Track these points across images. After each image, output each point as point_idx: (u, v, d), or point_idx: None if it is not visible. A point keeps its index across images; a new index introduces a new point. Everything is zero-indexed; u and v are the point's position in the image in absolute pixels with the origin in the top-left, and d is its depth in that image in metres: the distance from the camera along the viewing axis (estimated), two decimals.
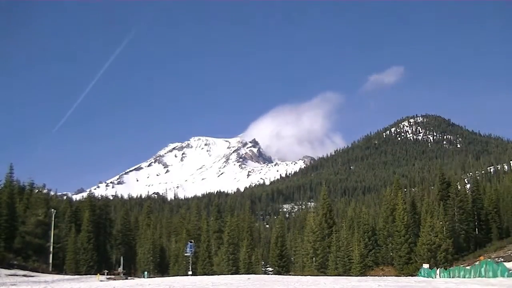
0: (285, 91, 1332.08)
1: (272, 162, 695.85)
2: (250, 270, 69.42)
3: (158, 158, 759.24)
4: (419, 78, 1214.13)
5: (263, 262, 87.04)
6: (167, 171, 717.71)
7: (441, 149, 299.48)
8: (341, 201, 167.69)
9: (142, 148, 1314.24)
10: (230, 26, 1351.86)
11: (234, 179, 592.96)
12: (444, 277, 39.23)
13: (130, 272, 74.99)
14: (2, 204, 61.21)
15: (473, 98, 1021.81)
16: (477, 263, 38.12)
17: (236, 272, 68.55)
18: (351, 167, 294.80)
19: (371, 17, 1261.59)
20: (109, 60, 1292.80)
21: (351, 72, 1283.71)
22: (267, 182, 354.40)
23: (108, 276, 56.52)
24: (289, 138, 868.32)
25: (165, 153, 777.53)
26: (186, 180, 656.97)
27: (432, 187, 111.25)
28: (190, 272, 65.97)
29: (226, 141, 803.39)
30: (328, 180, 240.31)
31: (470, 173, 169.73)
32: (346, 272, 61.52)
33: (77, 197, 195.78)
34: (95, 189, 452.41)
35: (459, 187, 76.43)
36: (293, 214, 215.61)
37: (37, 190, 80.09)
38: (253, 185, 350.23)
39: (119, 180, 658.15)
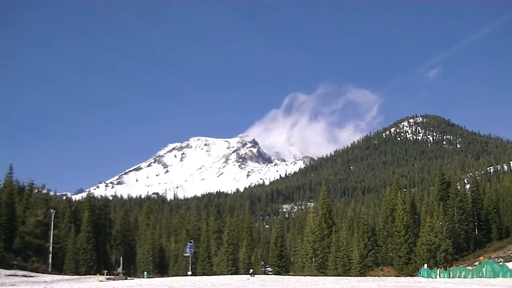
0: (285, 92, 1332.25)
1: (272, 162, 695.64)
2: (249, 270, 69.36)
3: (157, 158, 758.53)
4: (419, 77, 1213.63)
5: (262, 263, 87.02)
6: (167, 171, 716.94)
7: (441, 149, 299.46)
8: (341, 201, 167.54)
9: (141, 148, 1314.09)
10: (231, 26, 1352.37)
11: (234, 179, 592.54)
12: (444, 277, 39.20)
13: (130, 272, 74.84)
14: (2, 204, 61.20)
15: (473, 98, 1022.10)
16: (477, 263, 38.11)
17: (236, 273, 68.51)
18: (351, 167, 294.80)
19: (371, 18, 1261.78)
20: (104, 59, 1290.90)
21: (352, 73, 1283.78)
22: (267, 182, 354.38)
23: (108, 277, 56.42)
24: (289, 138, 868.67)
25: (164, 153, 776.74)
26: (185, 180, 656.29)
27: (431, 187, 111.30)
28: (189, 272, 65.94)
29: (226, 141, 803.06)
30: (328, 180, 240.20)
31: (470, 173, 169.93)
32: (345, 272, 61.46)
33: (76, 197, 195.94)
34: (94, 189, 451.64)
35: (458, 187, 76.39)
36: (292, 214, 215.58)
37: (36, 190, 79.98)
38: (253, 185, 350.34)
39: (118, 180, 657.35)
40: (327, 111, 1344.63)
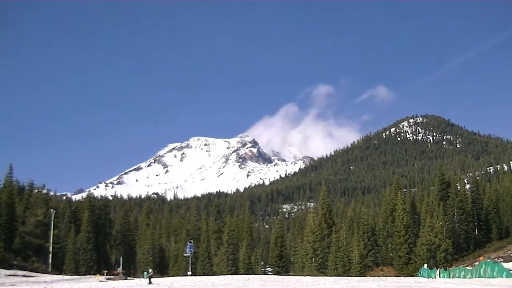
0: (285, 92, 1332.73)
1: (272, 162, 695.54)
2: (249, 270, 69.41)
3: (157, 158, 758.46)
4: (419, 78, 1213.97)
5: (262, 263, 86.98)
6: (167, 171, 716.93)
7: (441, 149, 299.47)
8: (341, 202, 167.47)
9: (141, 148, 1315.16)
10: (231, 26, 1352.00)
11: (234, 179, 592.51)
12: (444, 277, 39.23)
13: (130, 272, 74.87)
14: (2, 204, 61.18)
15: (473, 98, 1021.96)
16: (476, 263, 38.11)
17: (236, 273, 68.51)
18: (351, 167, 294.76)
19: (371, 18, 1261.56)
20: (105, 58, 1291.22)
21: (352, 73, 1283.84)
22: (267, 182, 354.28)
23: (108, 277, 56.45)
24: (289, 138, 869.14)
25: (164, 153, 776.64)
26: (185, 180, 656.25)
27: (431, 187, 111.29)
28: (189, 273, 65.91)
29: (226, 141, 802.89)
30: (328, 180, 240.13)
31: (470, 173, 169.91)
32: (345, 272, 61.45)
33: (76, 197, 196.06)
34: (94, 189, 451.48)
35: (458, 187, 76.39)
36: (292, 214, 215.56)
37: (36, 190, 79.97)
38: (253, 185, 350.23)
39: (118, 180, 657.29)
40: (328, 112, 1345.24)
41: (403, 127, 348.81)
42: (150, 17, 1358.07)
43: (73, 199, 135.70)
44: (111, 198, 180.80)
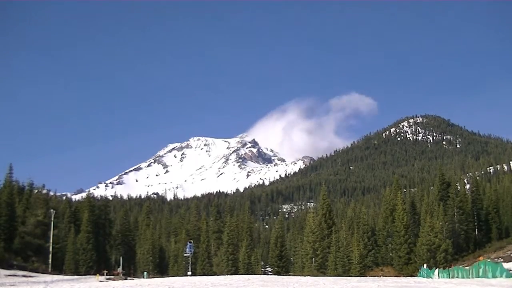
0: (285, 92, 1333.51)
1: (272, 163, 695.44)
2: (249, 270, 69.41)
3: (157, 158, 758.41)
4: (419, 79, 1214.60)
5: (262, 263, 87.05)
6: (167, 171, 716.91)
7: (441, 150, 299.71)
8: (341, 202, 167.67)
9: (141, 149, 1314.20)
10: (230, 26, 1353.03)
11: (234, 180, 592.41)
12: (444, 277, 39.24)
13: (130, 272, 74.90)
14: (2, 205, 61.14)
15: (473, 98, 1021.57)
16: (476, 263, 38.12)
17: (236, 273, 68.52)
18: (351, 167, 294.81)
19: (367, 18, 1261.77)
20: (105, 58, 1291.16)
21: (351, 72, 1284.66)
22: (267, 183, 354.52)
23: (108, 277, 56.46)
24: (289, 138, 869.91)
25: (164, 154, 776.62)
26: (185, 181, 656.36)
27: (431, 188, 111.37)
28: (189, 273, 65.94)
29: (226, 141, 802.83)
30: (328, 181, 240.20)
31: (470, 174, 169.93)
32: (345, 272, 61.45)
33: (76, 197, 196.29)
34: (94, 189, 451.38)
35: (458, 187, 76.55)
36: (292, 214, 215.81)
37: (36, 191, 79.98)
38: (253, 185, 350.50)
39: (118, 180, 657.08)
40: (326, 111, 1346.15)
41: (403, 127, 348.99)
42: (150, 17, 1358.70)
43: (73, 199, 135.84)
44: (111, 198, 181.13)
